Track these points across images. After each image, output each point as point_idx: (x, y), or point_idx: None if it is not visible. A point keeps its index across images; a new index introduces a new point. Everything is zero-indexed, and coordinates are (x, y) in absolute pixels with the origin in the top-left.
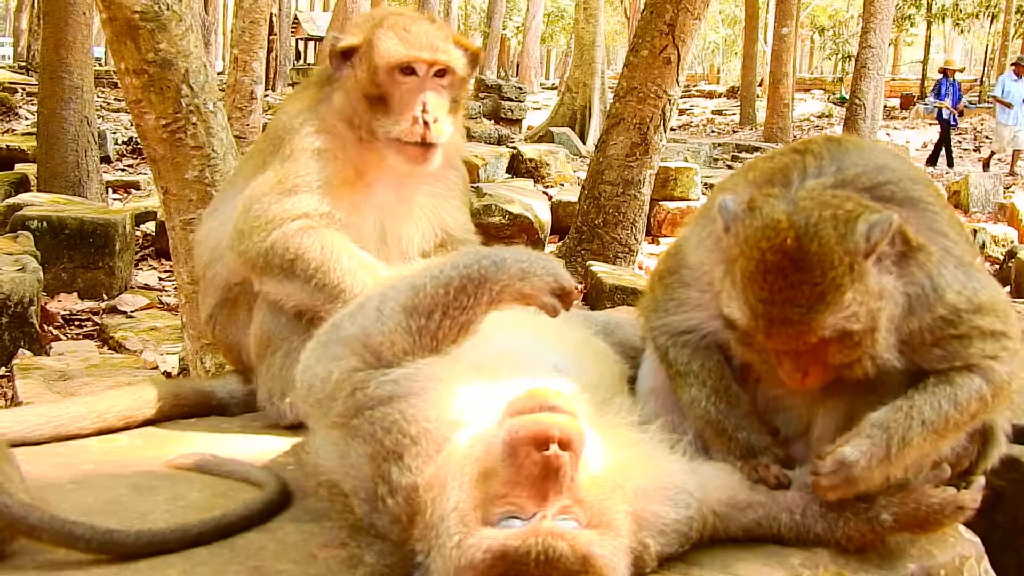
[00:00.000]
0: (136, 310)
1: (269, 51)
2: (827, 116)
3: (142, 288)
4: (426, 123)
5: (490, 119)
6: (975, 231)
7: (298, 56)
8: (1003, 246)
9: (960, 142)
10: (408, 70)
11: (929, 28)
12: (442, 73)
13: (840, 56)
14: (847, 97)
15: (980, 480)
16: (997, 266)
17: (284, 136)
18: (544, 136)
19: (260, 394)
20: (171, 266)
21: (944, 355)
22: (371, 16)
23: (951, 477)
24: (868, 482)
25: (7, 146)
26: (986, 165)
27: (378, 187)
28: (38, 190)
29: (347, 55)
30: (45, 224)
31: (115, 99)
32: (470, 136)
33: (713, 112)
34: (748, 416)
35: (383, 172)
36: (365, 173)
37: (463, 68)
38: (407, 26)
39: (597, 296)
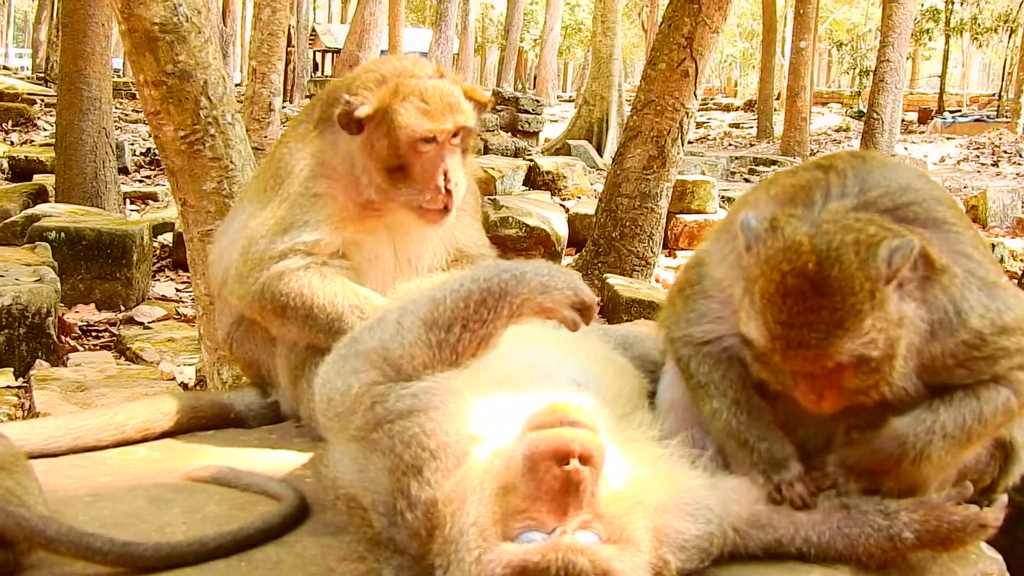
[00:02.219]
0: (153, 321)
1: (287, 63)
2: (845, 130)
3: (159, 299)
4: (448, 191)
5: (507, 131)
6: (993, 246)
7: (316, 68)
8: (1021, 261)
9: (978, 156)
10: (430, 140)
11: (947, 42)
12: (457, 133)
13: (858, 70)
14: (865, 111)
15: (1002, 498)
16: (1016, 280)
17: (284, 176)
18: (561, 149)
19: (302, 412)
20: (188, 277)
21: (969, 373)
22: (380, 77)
23: (973, 494)
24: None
25: (25, 157)
26: None
27: (386, 211)
28: (56, 201)
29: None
30: (63, 235)
31: (133, 110)
32: (487, 148)
33: (730, 125)
34: (770, 428)
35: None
36: (370, 207)
37: (476, 122)
38: (424, 95)
39: (614, 309)
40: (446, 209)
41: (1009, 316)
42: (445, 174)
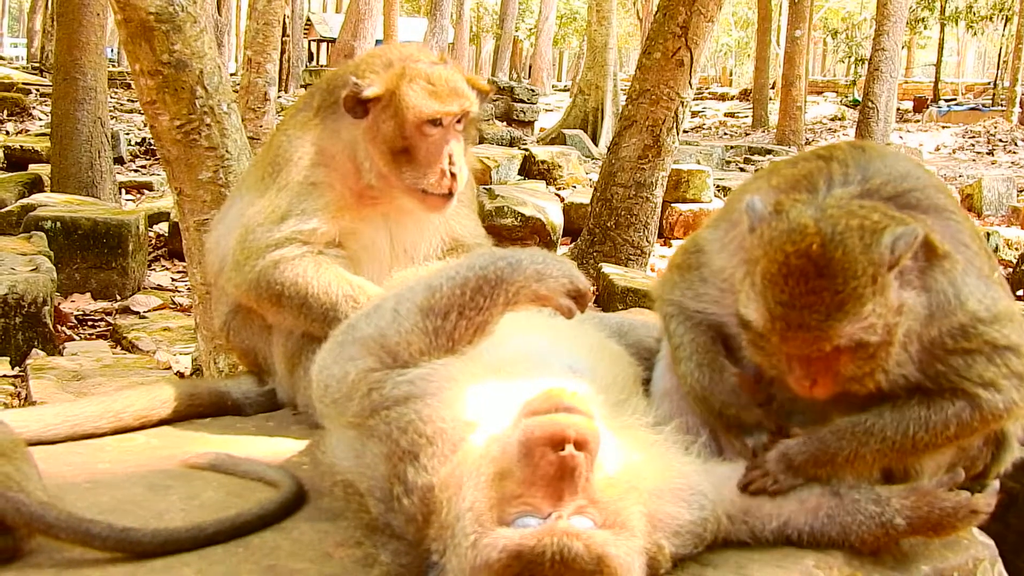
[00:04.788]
0: (149, 311)
1: (282, 53)
2: (840, 119)
3: (155, 289)
4: (453, 175)
5: (502, 121)
6: (988, 234)
7: (311, 57)
8: (1016, 249)
9: (973, 145)
10: (436, 122)
11: (942, 31)
12: (461, 118)
13: (853, 59)
14: (860, 100)
15: (994, 484)
16: (1010, 269)
17: (282, 165)
18: (556, 138)
19: (299, 400)
20: (184, 267)
21: (944, 371)
22: (387, 61)
23: (964, 481)
24: (807, 477)
25: (21, 147)
26: None
27: (384, 199)
28: (52, 190)
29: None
30: (59, 224)
31: (128, 100)
32: (482, 138)
33: (726, 114)
34: (735, 390)
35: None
36: (367, 195)
37: (477, 109)
38: (430, 77)
39: (609, 298)
40: (450, 194)
41: (1001, 305)
42: (450, 157)
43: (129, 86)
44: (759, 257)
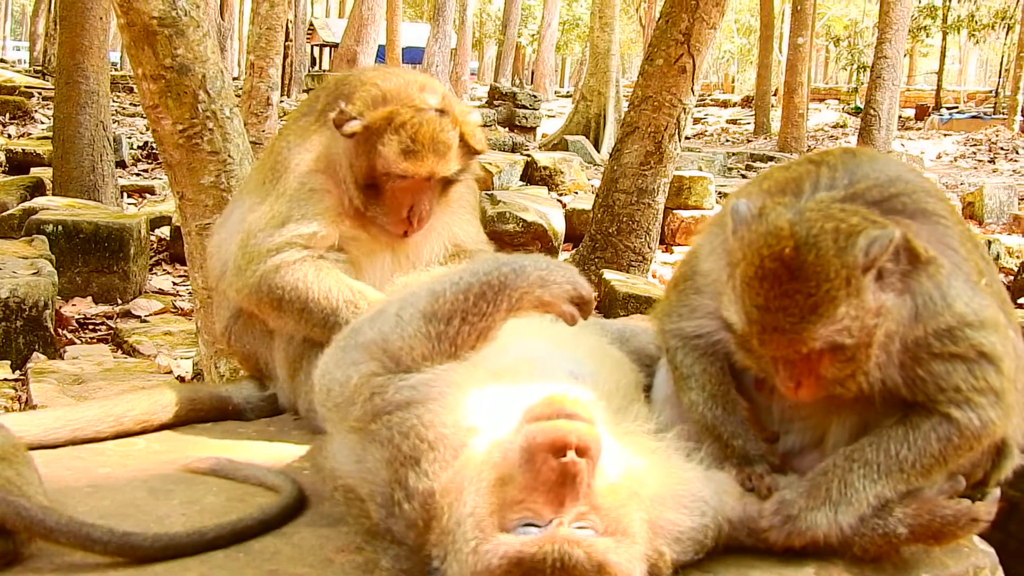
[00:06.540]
0: (150, 314)
1: (285, 57)
2: (842, 126)
3: (156, 293)
4: (411, 222)
5: (504, 127)
6: (989, 242)
7: (313, 62)
8: (1017, 257)
9: (975, 153)
10: (404, 177)
11: (944, 39)
12: (431, 177)
13: (855, 66)
14: (862, 107)
15: (995, 492)
16: (1012, 277)
17: (282, 170)
18: (558, 144)
19: (300, 405)
20: (186, 271)
21: (925, 378)
22: (381, 96)
23: (965, 488)
24: (815, 529)
25: (23, 150)
26: None
27: None
28: (53, 194)
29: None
30: (60, 228)
31: (131, 104)
32: None
33: (728, 121)
34: (744, 423)
35: None
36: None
37: (458, 170)
38: (416, 133)
39: (610, 305)
40: (407, 234)
41: (988, 312)
42: (411, 208)
43: (131, 90)
44: (739, 260)
